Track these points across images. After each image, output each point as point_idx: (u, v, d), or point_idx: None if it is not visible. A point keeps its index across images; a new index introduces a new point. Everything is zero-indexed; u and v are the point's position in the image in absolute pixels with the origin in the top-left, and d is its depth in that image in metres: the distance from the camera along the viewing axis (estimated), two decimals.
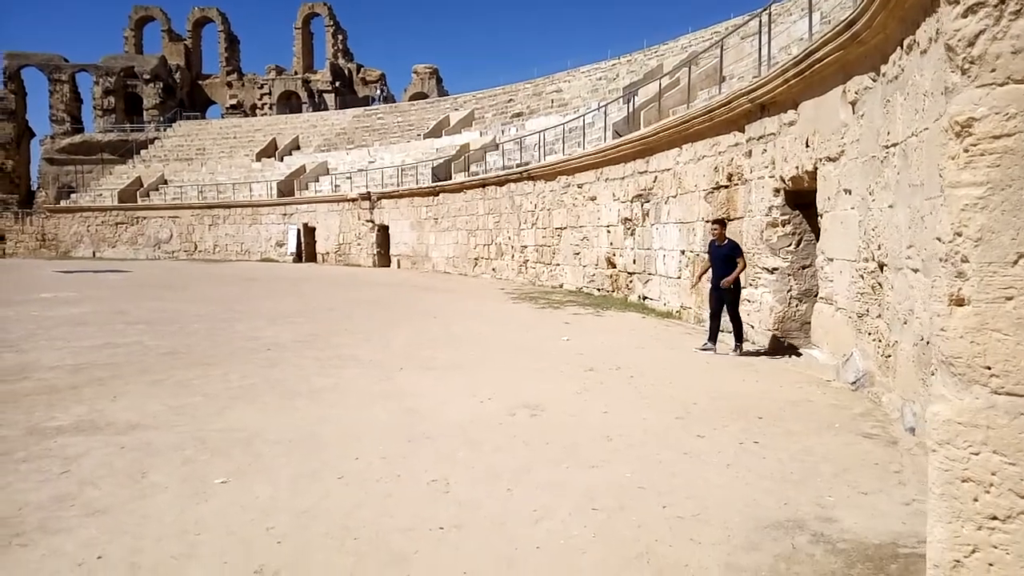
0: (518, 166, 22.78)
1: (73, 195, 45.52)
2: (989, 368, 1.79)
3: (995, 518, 1.82)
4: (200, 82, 62.76)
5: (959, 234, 1.77)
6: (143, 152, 49.35)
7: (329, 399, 6.28)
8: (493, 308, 14.24)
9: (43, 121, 57.79)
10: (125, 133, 53.68)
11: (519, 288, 18.95)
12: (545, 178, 19.66)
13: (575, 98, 32.66)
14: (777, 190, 8.89)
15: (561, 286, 18.36)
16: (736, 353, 8.61)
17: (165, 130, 52.77)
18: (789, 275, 8.79)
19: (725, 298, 8.67)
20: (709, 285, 8.98)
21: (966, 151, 1.77)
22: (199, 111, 60.15)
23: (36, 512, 3.75)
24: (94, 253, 40.52)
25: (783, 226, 8.86)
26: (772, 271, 8.91)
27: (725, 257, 8.63)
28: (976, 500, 1.82)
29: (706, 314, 9.60)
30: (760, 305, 9.15)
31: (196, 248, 38.96)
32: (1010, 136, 1.75)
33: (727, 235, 8.86)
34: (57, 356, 8.42)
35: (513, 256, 21.80)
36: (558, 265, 18.85)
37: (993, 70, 1.78)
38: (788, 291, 8.80)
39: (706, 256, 9.11)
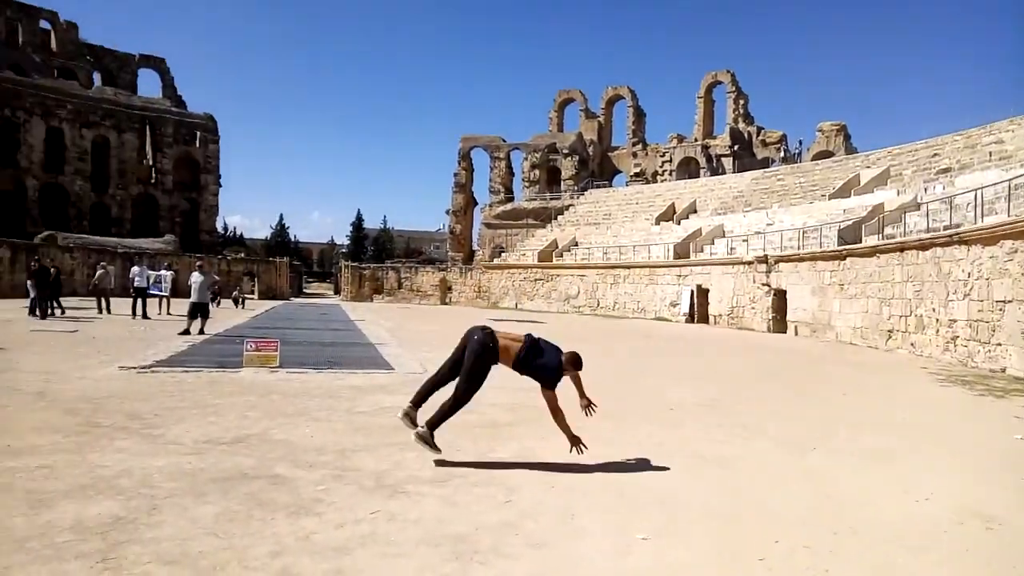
0: (946, 228, 19.96)
1: (503, 254, 53.05)
2: None
3: None
4: (609, 153, 68.40)
5: None
6: (559, 217, 55.34)
7: (740, 469, 6.12)
8: (912, 389, 12.52)
9: (483, 192, 68.63)
10: (545, 201, 61.01)
11: (945, 368, 16.40)
12: (983, 242, 16.87)
13: (1021, 150, 27.61)
14: None
15: (1003, 370, 15.39)
16: None
17: (578, 198, 58.55)
18: None
19: None
20: None
21: None
22: (607, 180, 65.49)
23: (488, 534, 4.29)
24: (516, 304, 46.35)
25: None
26: None
27: None
28: None
29: None
30: None
31: (599, 304, 41.99)
32: None
33: None
34: (493, 395, 9.69)
35: (937, 331, 19.02)
36: (999, 345, 15.88)
37: None
38: None
39: None
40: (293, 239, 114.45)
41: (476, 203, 69.42)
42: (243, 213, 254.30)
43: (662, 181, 59.51)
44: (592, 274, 42.91)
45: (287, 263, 57.35)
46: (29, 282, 22.65)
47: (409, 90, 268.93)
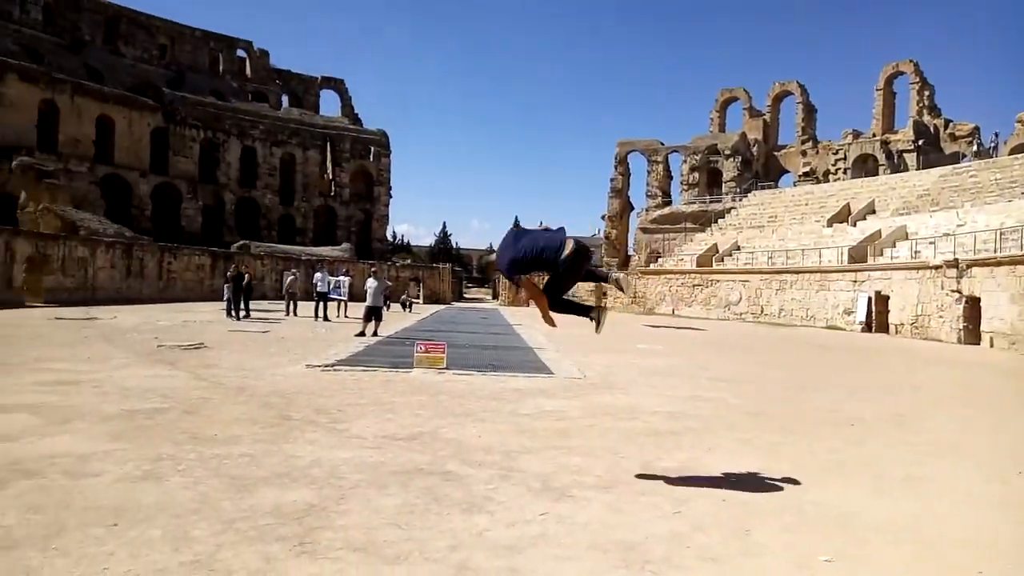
0: None
1: (659, 260, 52.04)
2: None
3: None
4: (775, 153, 65.24)
5: None
6: (720, 221, 53.50)
7: (933, 491, 5.60)
8: None
9: (639, 196, 67.79)
10: (705, 204, 59.26)
11: None
12: None
13: None
14: None
15: None
16: None
17: (740, 200, 56.31)
18: None
19: None
20: None
21: None
22: (772, 180, 62.45)
23: (658, 545, 4.22)
24: (673, 311, 45.31)
25: None
26: None
27: None
28: None
29: None
30: None
31: (762, 311, 40.11)
32: None
33: None
34: (655, 402, 9.56)
35: None
36: None
37: None
38: None
39: None
40: (455, 246, 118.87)
41: (632, 208, 68.67)
42: (410, 221, 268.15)
43: (835, 180, 55.89)
44: (756, 279, 41.06)
45: (449, 269, 59.63)
46: (226, 286, 25.18)
47: (565, 96, 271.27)
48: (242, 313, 24.30)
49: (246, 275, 26.33)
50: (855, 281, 34.54)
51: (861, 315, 33.18)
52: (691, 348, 19.62)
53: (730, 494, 5.32)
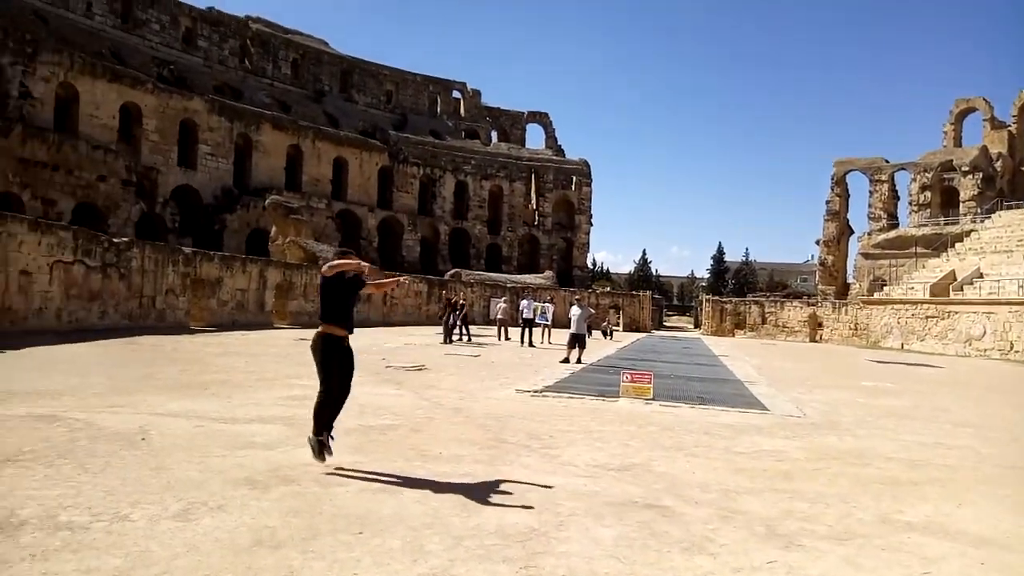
0: None
1: (885, 288, 47.55)
2: None
3: None
4: (1023, 168, 57.49)
5: None
6: (957, 245, 47.91)
7: None
8: None
9: (860, 219, 62.74)
10: (939, 226, 53.49)
11: None
12: None
13: None
14: None
15: None
16: None
17: (982, 221, 50.11)
18: None
19: None
20: None
21: None
22: (1021, 199, 54.94)
23: None
24: (902, 345, 41.13)
25: None
26: None
27: None
28: None
29: None
30: None
31: (1011, 348, 35.16)
32: None
33: None
34: (890, 447, 8.71)
35: None
36: None
37: None
38: None
39: None
40: (654, 273, 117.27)
41: (851, 231, 63.64)
42: (609, 249, 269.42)
43: None
44: (1004, 311, 36.13)
45: (649, 296, 58.84)
46: (444, 312, 26.82)
47: (775, 113, 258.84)
48: (455, 337, 25.68)
49: (461, 303, 27.88)
50: None
51: None
52: (927, 387, 17.67)
53: (988, 556, 4.72)
